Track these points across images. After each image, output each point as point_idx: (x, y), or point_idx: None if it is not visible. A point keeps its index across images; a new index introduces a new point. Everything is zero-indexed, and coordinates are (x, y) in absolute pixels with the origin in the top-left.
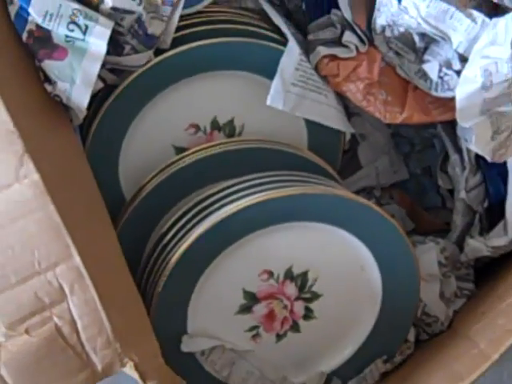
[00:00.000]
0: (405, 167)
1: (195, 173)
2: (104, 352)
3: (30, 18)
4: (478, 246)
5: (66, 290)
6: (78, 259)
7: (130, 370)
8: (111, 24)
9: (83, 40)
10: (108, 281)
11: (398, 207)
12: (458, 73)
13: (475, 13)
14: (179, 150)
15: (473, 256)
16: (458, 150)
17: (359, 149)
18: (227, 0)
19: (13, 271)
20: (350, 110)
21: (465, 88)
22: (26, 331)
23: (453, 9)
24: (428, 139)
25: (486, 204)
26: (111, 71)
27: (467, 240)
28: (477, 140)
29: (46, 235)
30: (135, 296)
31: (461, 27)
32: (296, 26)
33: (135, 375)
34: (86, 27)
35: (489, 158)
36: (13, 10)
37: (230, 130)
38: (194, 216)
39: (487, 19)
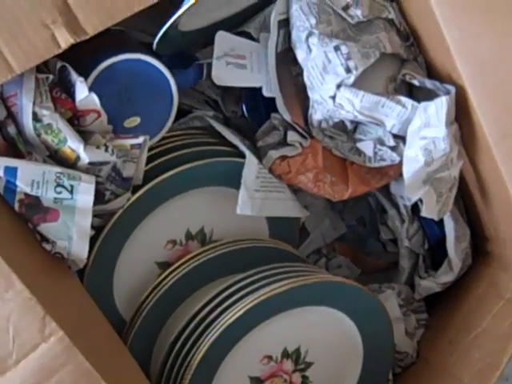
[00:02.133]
0: (342, 223)
1: (182, 285)
2: None
3: (18, 190)
4: (429, 284)
5: None
6: None
7: None
8: (93, 179)
9: (71, 199)
10: None
11: (343, 257)
12: (392, 148)
13: (404, 99)
14: (161, 264)
15: (425, 293)
16: (395, 206)
17: (305, 219)
18: (179, 124)
19: None
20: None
21: (410, 167)
22: None
23: (383, 99)
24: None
25: (426, 246)
26: (96, 216)
27: (418, 281)
28: (426, 207)
29: (81, 383)
30: None
31: (392, 113)
32: (238, 131)
33: None
34: (72, 187)
35: (436, 218)
36: (0, 185)
37: (201, 237)
38: (198, 323)
39: (416, 103)
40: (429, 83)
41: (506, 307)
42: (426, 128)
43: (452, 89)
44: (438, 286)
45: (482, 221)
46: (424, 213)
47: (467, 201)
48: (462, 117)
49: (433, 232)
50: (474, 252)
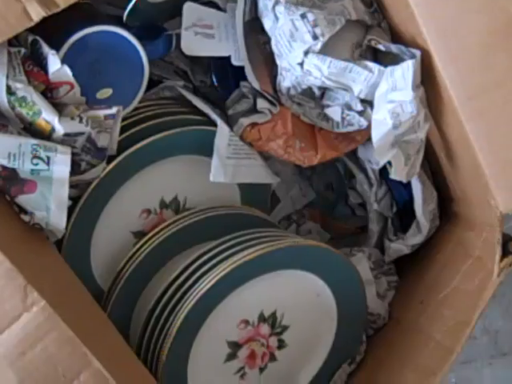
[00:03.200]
0: (311, 189)
1: (157, 254)
2: None
3: None
4: (399, 247)
5: None
6: (97, 363)
7: None
8: (69, 149)
9: (47, 170)
10: (120, 368)
11: (313, 223)
12: (359, 112)
13: (370, 64)
14: (137, 233)
15: (395, 256)
16: (363, 170)
17: (276, 186)
18: (149, 95)
19: None
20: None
21: (378, 130)
22: None
23: (351, 64)
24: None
25: (394, 209)
26: (72, 187)
27: (388, 243)
28: (395, 170)
29: (65, 350)
30: (142, 371)
31: (359, 78)
32: (207, 100)
33: None
34: (48, 158)
35: (404, 180)
36: None
37: (175, 205)
38: (175, 290)
39: (382, 68)
40: (394, 48)
41: (474, 265)
42: (393, 92)
43: (417, 52)
44: (407, 247)
45: (448, 182)
46: (393, 175)
47: (434, 163)
48: (427, 80)
49: (400, 195)
50: (442, 213)
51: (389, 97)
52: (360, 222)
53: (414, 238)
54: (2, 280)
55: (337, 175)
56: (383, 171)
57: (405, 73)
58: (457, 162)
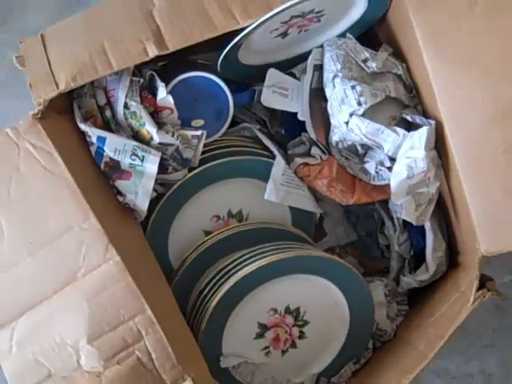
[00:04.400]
0: (354, 232)
1: (219, 248)
2: (171, 372)
3: (105, 154)
4: (409, 281)
5: (143, 332)
6: (149, 311)
7: (189, 383)
8: (159, 153)
9: (141, 165)
10: (169, 324)
11: (352, 258)
12: (389, 168)
13: (398, 129)
14: (207, 233)
15: (406, 287)
16: (391, 219)
17: (324, 223)
18: (232, 131)
19: (106, 323)
20: (317, 197)
21: (396, 179)
22: (118, 362)
23: (383, 127)
24: (369, 212)
25: (412, 253)
26: (160, 185)
27: (402, 278)
28: (406, 212)
29: (128, 297)
30: (188, 333)
31: (389, 139)
32: (278, 144)
33: None
34: (143, 157)
35: (414, 223)
36: (93, 149)
37: (239, 217)
38: (222, 275)
39: (406, 132)
40: (417, 118)
41: (460, 297)
42: (411, 150)
43: (432, 122)
44: (415, 282)
45: (456, 235)
46: (403, 215)
47: (447, 218)
48: (441, 148)
49: (418, 242)
50: (450, 262)
51: (407, 154)
52: (387, 263)
53: (422, 275)
54: (92, 236)
55: (375, 225)
56: (406, 223)
57: (421, 136)
58: (459, 216)
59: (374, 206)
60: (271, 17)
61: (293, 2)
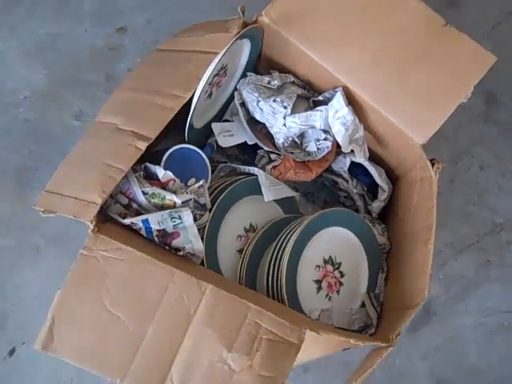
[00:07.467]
0: (310, 205)
1: (263, 243)
2: (293, 334)
3: (153, 229)
4: (377, 204)
5: (258, 321)
6: (253, 305)
7: (308, 333)
8: (187, 208)
9: (181, 222)
10: (267, 306)
11: None
12: (325, 139)
13: (319, 107)
14: (239, 251)
15: (377, 210)
16: (339, 176)
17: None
18: (214, 176)
19: (232, 331)
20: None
21: (339, 136)
22: (257, 350)
23: (309, 112)
24: (319, 186)
25: (365, 188)
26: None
27: (371, 206)
28: (357, 155)
29: (233, 306)
30: (280, 305)
31: (317, 117)
32: (251, 164)
33: None
34: (180, 216)
35: (363, 159)
36: (143, 232)
37: (252, 229)
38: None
39: (326, 106)
40: (327, 94)
41: (422, 181)
42: (337, 112)
43: (338, 88)
44: (381, 202)
45: (384, 159)
46: (358, 158)
47: (371, 153)
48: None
49: (365, 180)
50: (392, 179)
51: (336, 116)
52: (354, 207)
53: (382, 195)
54: (184, 283)
55: (327, 192)
56: (351, 172)
57: (338, 99)
58: (389, 146)
59: (323, 178)
60: (208, 79)
61: (216, 61)
